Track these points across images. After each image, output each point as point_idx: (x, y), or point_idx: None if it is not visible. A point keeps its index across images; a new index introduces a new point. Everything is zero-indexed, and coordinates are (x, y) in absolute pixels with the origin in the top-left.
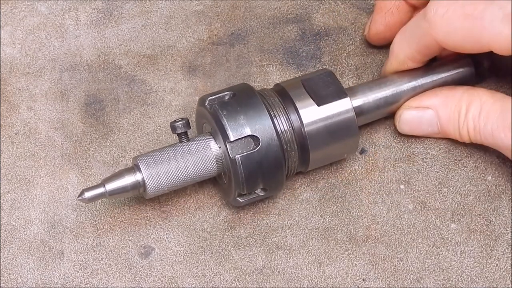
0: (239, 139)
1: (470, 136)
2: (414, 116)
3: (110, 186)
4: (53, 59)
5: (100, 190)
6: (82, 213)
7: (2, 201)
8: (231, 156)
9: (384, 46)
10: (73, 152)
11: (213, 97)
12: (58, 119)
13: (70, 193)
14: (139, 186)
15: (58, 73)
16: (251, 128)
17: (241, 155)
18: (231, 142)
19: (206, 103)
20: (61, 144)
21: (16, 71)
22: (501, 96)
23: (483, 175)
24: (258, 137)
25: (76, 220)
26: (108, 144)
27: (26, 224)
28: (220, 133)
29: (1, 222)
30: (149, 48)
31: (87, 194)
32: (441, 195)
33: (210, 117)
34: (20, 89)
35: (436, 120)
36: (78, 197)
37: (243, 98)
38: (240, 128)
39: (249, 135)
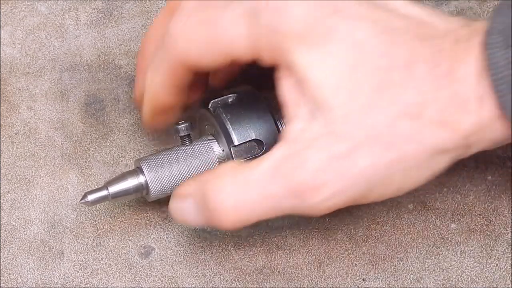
0: (243, 143)
1: (231, 219)
2: (176, 205)
3: (113, 189)
4: (53, 59)
5: (103, 193)
6: (82, 213)
7: (2, 201)
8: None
9: None
10: (73, 152)
11: (216, 99)
12: (58, 119)
13: (70, 193)
14: (142, 189)
15: (58, 73)
16: (255, 132)
17: (245, 159)
18: (235, 146)
19: (209, 105)
20: (61, 144)
21: (16, 71)
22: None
23: (483, 175)
24: (262, 141)
25: (76, 220)
26: (108, 144)
27: (26, 224)
28: (224, 136)
29: (1, 222)
30: None
31: (90, 197)
32: (441, 195)
33: (214, 120)
34: (20, 89)
35: (197, 209)
36: (81, 200)
37: (247, 101)
38: (244, 132)
39: (253, 139)
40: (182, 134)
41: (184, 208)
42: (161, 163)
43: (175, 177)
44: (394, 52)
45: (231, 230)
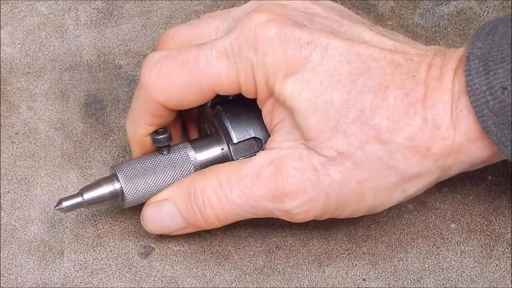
0: (242, 141)
1: (217, 213)
2: (153, 212)
3: (88, 195)
4: (53, 59)
5: (78, 199)
6: (82, 213)
7: (2, 201)
8: (234, 159)
9: None
10: (73, 152)
11: (215, 98)
12: (58, 119)
13: (70, 193)
14: (117, 196)
15: (58, 73)
16: (254, 130)
17: (245, 157)
18: (234, 144)
19: (209, 104)
20: (61, 144)
21: (16, 71)
22: (232, 162)
23: (483, 175)
24: (261, 139)
25: (76, 220)
26: (108, 144)
27: (26, 224)
28: (223, 135)
29: (1, 222)
30: (149, 48)
31: (65, 204)
32: (441, 195)
33: (213, 118)
34: (20, 89)
35: (177, 212)
36: (56, 206)
37: (246, 99)
38: (244, 130)
39: (252, 137)
40: (161, 145)
41: (161, 213)
42: (137, 170)
43: (151, 185)
44: (366, 78)
45: (215, 227)
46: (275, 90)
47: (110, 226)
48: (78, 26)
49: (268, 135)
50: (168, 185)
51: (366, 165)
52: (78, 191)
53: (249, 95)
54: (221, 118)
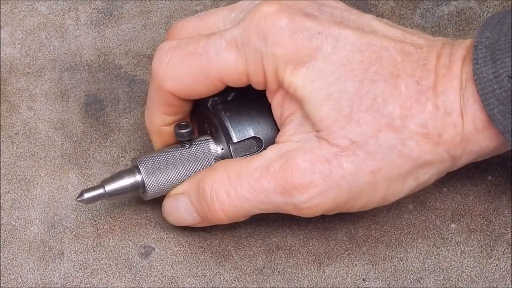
0: (242, 140)
1: (225, 209)
2: (171, 205)
3: (110, 187)
4: (53, 59)
5: (100, 191)
6: (82, 213)
7: (2, 201)
8: (234, 158)
9: None
10: (73, 152)
11: (215, 97)
12: (58, 119)
13: (70, 193)
14: (139, 188)
15: (58, 73)
16: (254, 129)
17: (244, 157)
18: (234, 143)
19: (209, 103)
20: (61, 144)
21: (16, 71)
22: (242, 157)
23: (483, 175)
24: (261, 139)
25: (76, 220)
26: (108, 144)
27: (26, 224)
28: (223, 134)
29: (1, 222)
30: (149, 48)
31: (87, 195)
32: (441, 195)
33: (213, 118)
34: (20, 89)
35: (191, 206)
36: (77, 198)
37: (245, 99)
38: (243, 130)
39: (252, 137)
40: (183, 139)
41: (178, 206)
42: (159, 163)
43: (172, 178)
44: (377, 66)
45: (226, 223)
46: (285, 81)
47: (110, 226)
48: (78, 26)
49: (269, 134)
50: (190, 176)
51: (380, 154)
52: (99, 183)
53: (258, 86)
54: (221, 117)
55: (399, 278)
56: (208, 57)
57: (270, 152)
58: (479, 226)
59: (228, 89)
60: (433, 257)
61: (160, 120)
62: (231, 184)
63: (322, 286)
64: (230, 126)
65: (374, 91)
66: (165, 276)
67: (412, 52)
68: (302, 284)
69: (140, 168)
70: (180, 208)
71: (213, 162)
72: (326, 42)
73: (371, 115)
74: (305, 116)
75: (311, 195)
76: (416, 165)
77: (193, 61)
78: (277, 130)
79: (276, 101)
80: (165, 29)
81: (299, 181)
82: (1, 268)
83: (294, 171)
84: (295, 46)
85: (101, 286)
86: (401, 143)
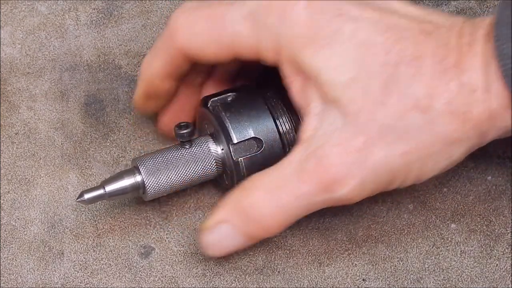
0: (242, 141)
1: (275, 222)
2: (211, 237)
3: (110, 187)
4: (53, 59)
5: (100, 191)
6: (82, 213)
7: (2, 201)
8: (234, 159)
9: None
10: (73, 152)
11: (215, 98)
12: (58, 119)
13: (70, 193)
14: (139, 188)
15: (58, 73)
16: (254, 130)
17: (244, 157)
18: (234, 144)
19: (209, 104)
20: (61, 144)
21: (16, 71)
22: (267, 169)
23: (483, 175)
24: (261, 139)
25: (76, 220)
26: (108, 144)
27: (26, 224)
28: (223, 135)
29: (1, 222)
30: (149, 48)
31: (87, 196)
32: (441, 195)
33: (213, 118)
34: (20, 89)
35: (235, 231)
36: (77, 198)
37: (245, 99)
38: (244, 130)
39: (252, 137)
40: (183, 140)
41: (220, 236)
42: (159, 163)
43: (172, 178)
44: (399, 48)
45: (277, 234)
46: (305, 64)
47: (110, 226)
48: (78, 26)
49: (269, 135)
50: (190, 178)
51: (409, 136)
52: (99, 183)
53: (266, 62)
54: (221, 118)
55: (399, 278)
56: (223, 24)
57: (297, 153)
58: (479, 226)
59: (228, 90)
60: (433, 257)
61: (155, 71)
62: (272, 198)
63: (322, 286)
64: (230, 126)
65: (398, 72)
66: (165, 276)
67: (433, 32)
68: (302, 284)
69: (140, 169)
70: (222, 237)
71: (213, 163)
72: (347, 24)
73: (396, 97)
74: (328, 103)
75: (351, 187)
76: (445, 143)
77: (209, 24)
78: (278, 130)
79: (295, 89)
80: None
81: (336, 177)
82: (1, 268)
83: (329, 168)
84: (315, 28)
85: (101, 286)
86: (429, 123)
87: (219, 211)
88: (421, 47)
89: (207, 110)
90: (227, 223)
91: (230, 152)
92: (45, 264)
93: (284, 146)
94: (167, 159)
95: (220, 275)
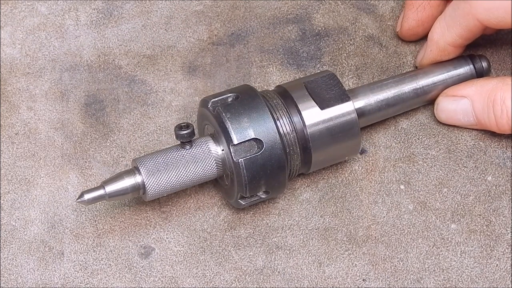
0: (242, 142)
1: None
2: (449, 105)
3: (110, 188)
4: (53, 59)
5: (100, 192)
6: (82, 213)
7: (2, 201)
8: (234, 160)
9: (379, 45)
10: (73, 152)
11: (216, 99)
12: (58, 119)
13: (70, 193)
14: (139, 189)
15: (58, 73)
16: (255, 131)
17: (245, 158)
18: (234, 145)
19: (209, 105)
20: (61, 144)
21: (16, 71)
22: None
23: (483, 175)
24: (261, 140)
25: (76, 220)
26: (108, 144)
27: (26, 224)
28: (224, 136)
29: (1, 222)
30: (149, 48)
31: (87, 196)
32: (441, 195)
33: (213, 119)
34: (20, 89)
35: (471, 110)
36: (78, 199)
37: (246, 100)
38: (244, 131)
39: (252, 138)
40: (184, 140)
41: (456, 108)
42: (159, 164)
43: (172, 179)
44: None
45: (504, 133)
46: None
47: (110, 226)
48: (78, 26)
49: (269, 135)
50: (190, 179)
51: None
52: (99, 184)
53: None
54: (221, 119)
55: (399, 278)
56: None
57: None
58: (479, 226)
59: (228, 90)
60: (433, 257)
61: (450, 39)
62: None
63: (322, 286)
64: (230, 127)
65: None
66: (165, 276)
67: None
68: (302, 284)
69: (141, 169)
70: (458, 109)
71: (213, 163)
72: None
73: None
74: None
75: None
76: None
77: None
78: (278, 131)
79: None
80: (165, 29)
81: None
82: (1, 268)
83: None
84: None
85: (101, 286)
86: None
87: (467, 86)
88: None
89: (207, 110)
90: (468, 100)
91: (231, 153)
92: (45, 264)
93: (284, 147)
94: (167, 159)
95: (220, 275)
